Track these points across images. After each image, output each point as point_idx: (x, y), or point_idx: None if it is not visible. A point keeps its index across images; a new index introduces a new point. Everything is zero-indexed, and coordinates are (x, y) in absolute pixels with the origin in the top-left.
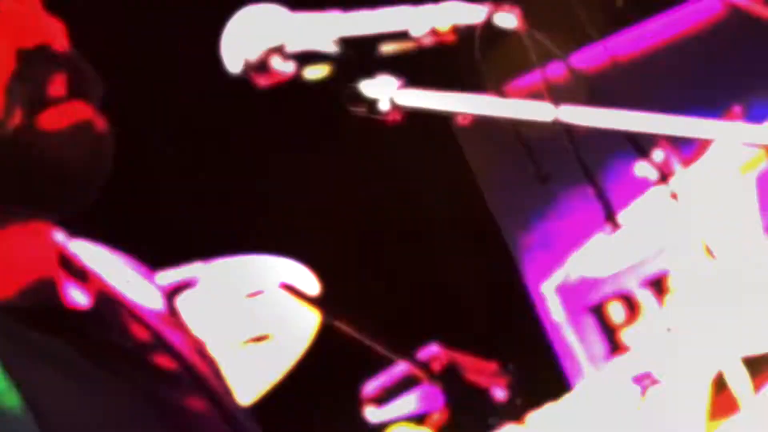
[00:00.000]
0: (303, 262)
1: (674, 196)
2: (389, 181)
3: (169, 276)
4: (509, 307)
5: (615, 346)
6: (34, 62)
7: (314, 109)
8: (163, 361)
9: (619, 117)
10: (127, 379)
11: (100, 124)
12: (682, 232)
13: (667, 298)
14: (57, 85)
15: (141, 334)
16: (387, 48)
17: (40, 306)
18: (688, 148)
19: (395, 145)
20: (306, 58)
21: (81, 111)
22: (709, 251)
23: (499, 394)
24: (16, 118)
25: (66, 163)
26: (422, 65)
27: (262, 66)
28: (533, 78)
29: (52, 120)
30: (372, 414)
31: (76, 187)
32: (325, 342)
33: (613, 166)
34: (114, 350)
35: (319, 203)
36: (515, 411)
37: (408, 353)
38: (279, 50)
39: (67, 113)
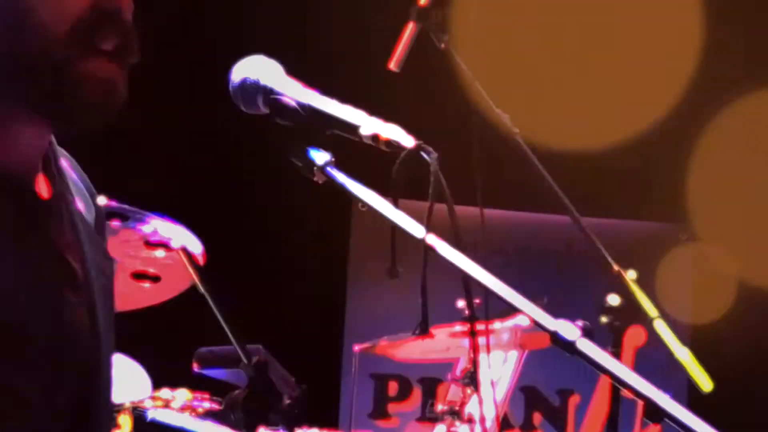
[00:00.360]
0: None
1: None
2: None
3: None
4: (327, 353)
5: (382, 413)
6: (102, 19)
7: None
8: (74, 262)
9: (463, 261)
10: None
11: (123, 83)
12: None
13: None
14: (108, 42)
15: (69, 236)
16: (337, 131)
17: (14, 187)
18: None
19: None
20: (279, 109)
21: (114, 70)
22: None
23: (286, 400)
24: (70, 48)
25: (86, 92)
26: (355, 156)
27: (250, 100)
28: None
29: (93, 66)
30: (197, 368)
31: (86, 110)
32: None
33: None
34: (44, 239)
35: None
36: (291, 417)
37: (244, 343)
38: (266, 93)
39: (104, 67)
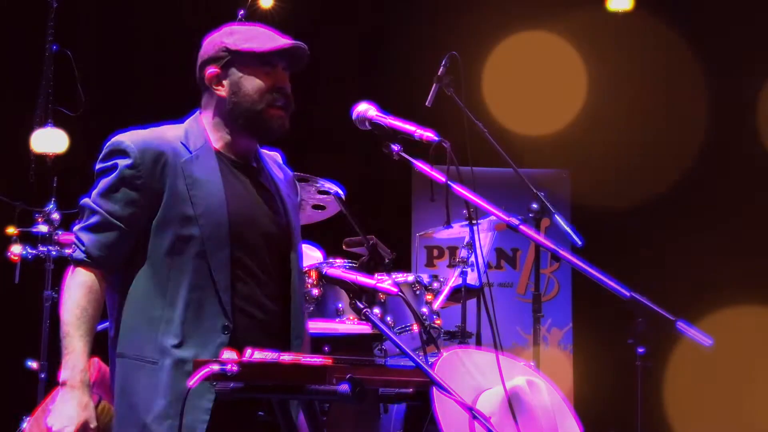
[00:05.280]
0: None
1: (471, 224)
2: None
3: None
4: (404, 237)
5: (430, 264)
6: (277, 91)
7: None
8: (273, 192)
9: (463, 189)
10: None
11: (287, 120)
12: None
13: None
14: (280, 101)
15: (268, 181)
16: (403, 135)
17: (243, 163)
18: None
19: None
20: (375, 126)
21: (283, 114)
22: None
23: (386, 259)
24: (262, 105)
25: (271, 125)
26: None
27: (362, 123)
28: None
29: (274, 113)
30: (345, 247)
31: (271, 133)
32: None
33: (456, 207)
34: (256, 181)
35: None
36: (388, 265)
37: (365, 234)
38: (368, 120)
39: (279, 113)
